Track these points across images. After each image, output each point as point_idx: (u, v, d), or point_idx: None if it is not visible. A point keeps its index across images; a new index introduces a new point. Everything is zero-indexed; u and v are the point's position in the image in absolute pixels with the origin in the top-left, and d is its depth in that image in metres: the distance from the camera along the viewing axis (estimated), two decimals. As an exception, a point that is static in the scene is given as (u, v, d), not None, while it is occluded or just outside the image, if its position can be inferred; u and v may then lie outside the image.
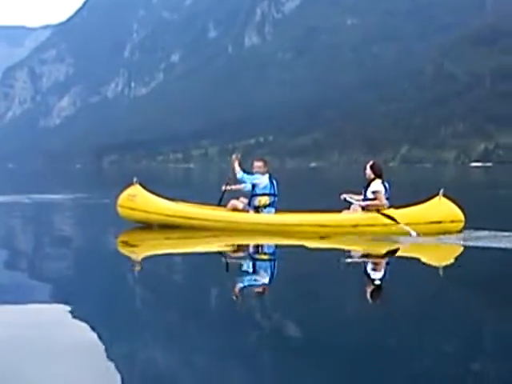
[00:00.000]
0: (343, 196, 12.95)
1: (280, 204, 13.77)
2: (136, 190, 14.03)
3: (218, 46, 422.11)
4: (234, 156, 14.03)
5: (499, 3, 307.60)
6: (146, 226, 13.92)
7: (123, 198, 14.08)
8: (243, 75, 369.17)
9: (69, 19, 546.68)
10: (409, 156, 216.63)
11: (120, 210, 14.19)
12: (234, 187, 13.88)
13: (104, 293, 8.31)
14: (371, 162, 13.06)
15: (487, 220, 14.13)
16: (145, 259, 10.77)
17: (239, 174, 13.61)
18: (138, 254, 11.30)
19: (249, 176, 13.51)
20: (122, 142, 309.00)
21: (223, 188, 13.87)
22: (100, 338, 6.03)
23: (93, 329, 6.30)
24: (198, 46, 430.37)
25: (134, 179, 14.05)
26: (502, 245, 10.99)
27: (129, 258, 10.94)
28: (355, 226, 12.68)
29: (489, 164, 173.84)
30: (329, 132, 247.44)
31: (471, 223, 12.75)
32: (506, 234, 11.97)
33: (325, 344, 5.77)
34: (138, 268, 9.88)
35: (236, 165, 13.70)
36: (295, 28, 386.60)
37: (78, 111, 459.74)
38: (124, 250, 11.88)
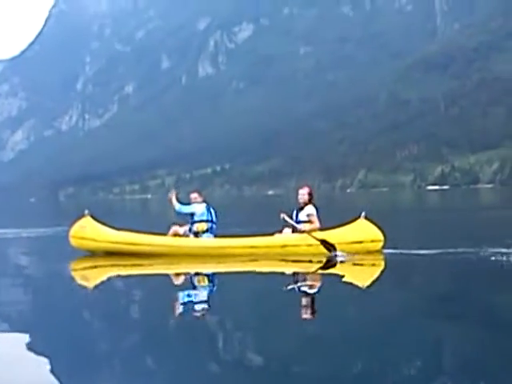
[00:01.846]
0: (282, 215, 13.82)
1: (229, 230, 15.25)
2: (86, 221, 15.15)
3: (171, 76, 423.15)
4: (169, 194, 15.18)
5: (449, 29, 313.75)
6: (95, 255, 14.88)
7: (75, 229, 15.14)
8: (198, 105, 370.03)
9: (21, 53, 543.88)
10: (366, 181, 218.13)
11: (72, 240, 15.16)
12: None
13: (57, 323, 8.27)
14: (308, 189, 14.17)
15: (409, 241, 15.41)
16: (96, 286, 11.37)
17: (176, 206, 14.81)
18: (89, 282, 12.04)
19: (185, 206, 14.80)
20: (77, 174, 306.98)
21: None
22: (54, 371, 5.80)
23: (47, 361, 6.13)
24: (151, 77, 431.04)
25: (86, 211, 15.19)
26: (416, 259, 12.62)
27: (80, 286, 11.47)
28: (283, 246, 13.82)
29: (445, 187, 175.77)
30: (285, 159, 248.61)
31: (392, 243, 13.91)
32: (421, 252, 13.29)
33: (279, 369, 5.91)
34: (88, 294, 10.45)
35: (173, 200, 14.87)
36: (248, 57, 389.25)
37: (32, 145, 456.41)
38: (75, 278, 12.54)
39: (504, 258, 12.22)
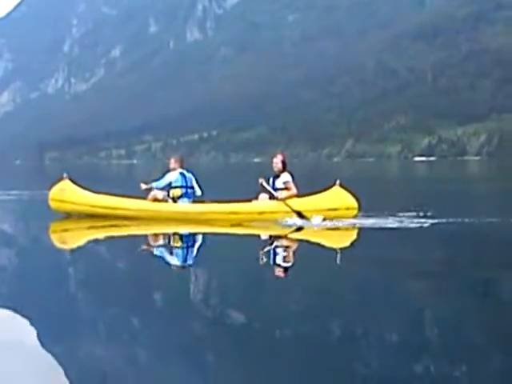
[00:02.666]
0: (261, 180, 14.37)
1: (212, 196, 15.37)
2: (65, 184, 15.55)
3: (159, 41, 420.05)
4: (141, 187, 15.17)
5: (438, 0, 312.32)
6: (73, 217, 15.35)
7: (54, 191, 15.62)
8: (185, 70, 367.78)
9: (7, 14, 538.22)
10: (353, 151, 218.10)
11: (51, 203, 15.63)
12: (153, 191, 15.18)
13: (39, 287, 8.24)
14: (281, 157, 14.52)
15: (383, 206, 15.99)
16: (74, 248, 11.59)
17: (153, 185, 15.09)
18: (67, 244, 12.36)
19: (160, 181, 15.09)
20: (63, 138, 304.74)
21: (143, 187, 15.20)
22: (40, 335, 5.84)
23: (32, 326, 6.13)
24: (138, 42, 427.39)
25: (64, 174, 15.50)
26: (390, 225, 13.10)
27: (58, 248, 11.73)
28: (261, 213, 14.25)
29: (432, 158, 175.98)
30: (272, 127, 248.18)
31: (367, 210, 14.57)
32: (393, 218, 13.93)
33: (264, 331, 6.05)
34: (68, 257, 10.62)
35: (146, 185, 15.10)
36: (237, 23, 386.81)
37: (18, 107, 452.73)
38: (53, 240, 12.82)
39: (475, 225, 12.97)
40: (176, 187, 14.97)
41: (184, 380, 5.01)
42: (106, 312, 6.96)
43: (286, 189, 14.18)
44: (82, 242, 12.49)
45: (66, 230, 14.53)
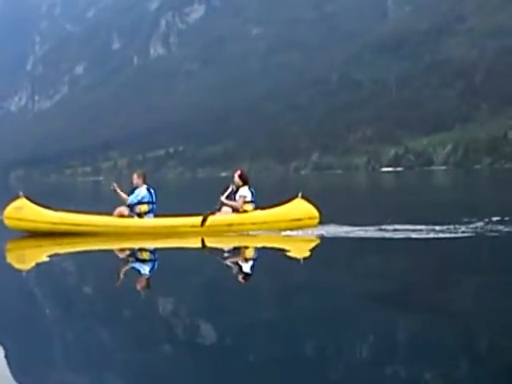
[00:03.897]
0: (222, 198, 15.15)
1: (178, 210, 15.89)
2: (22, 202, 15.33)
3: (122, 57, 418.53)
4: (112, 187, 15.46)
5: (400, 11, 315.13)
6: (32, 235, 15.11)
7: (9, 210, 15.36)
8: (150, 86, 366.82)
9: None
10: (320, 163, 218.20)
11: (7, 222, 15.42)
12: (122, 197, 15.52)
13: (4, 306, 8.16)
14: (239, 172, 15.51)
15: (344, 217, 16.54)
16: (33, 266, 11.50)
17: (127, 201, 15.24)
18: (25, 262, 12.17)
19: (133, 196, 15.22)
20: (28, 156, 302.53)
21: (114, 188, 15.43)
22: (3, 353, 5.74)
23: None
24: (102, 58, 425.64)
25: (20, 193, 15.34)
26: (351, 235, 13.70)
27: (16, 267, 11.56)
28: (230, 225, 14.92)
29: (399, 169, 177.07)
30: (238, 141, 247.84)
31: (328, 220, 15.36)
32: (355, 228, 14.42)
33: (232, 346, 6.02)
34: (25, 275, 10.46)
35: (120, 193, 15.41)
36: (200, 38, 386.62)
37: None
38: (13, 259, 12.68)
39: (431, 235, 13.24)
40: (143, 203, 15.22)
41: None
42: (71, 332, 6.79)
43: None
44: (42, 258, 12.46)
45: (24, 248, 14.48)
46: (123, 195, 15.37)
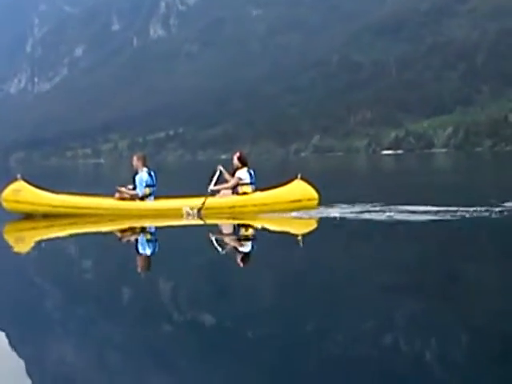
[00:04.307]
0: (219, 167, 15.46)
1: (175, 192, 16.15)
2: (20, 185, 15.36)
3: (122, 38, 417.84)
4: (116, 189, 15.36)
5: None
6: (30, 217, 15.16)
7: (7, 192, 15.41)
8: (149, 68, 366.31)
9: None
10: (320, 145, 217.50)
11: (5, 204, 15.47)
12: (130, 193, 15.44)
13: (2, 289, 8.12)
14: (238, 154, 15.68)
15: (342, 198, 16.60)
16: (32, 248, 11.49)
17: (137, 193, 15.23)
18: (27, 244, 12.12)
19: (140, 185, 15.27)
20: (28, 139, 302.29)
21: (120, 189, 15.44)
22: (4, 339, 5.72)
23: None
24: (101, 40, 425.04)
25: (18, 175, 15.42)
26: (348, 215, 13.75)
27: (18, 249, 11.56)
28: (232, 207, 15.13)
29: (400, 151, 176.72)
30: (238, 123, 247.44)
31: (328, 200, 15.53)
32: (353, 208, 14.67)
33: (234, 328, 5.97)
34: (29, 257, 10.43)
35: (128, 192, 15.32)
36: (200, 20, 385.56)
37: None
38: (11, 241, 12.68)
39: (429, 217, 13.23)
40: (145, 186, 15.27)
41: (154, 381, 5.00)
42: (72, 312, 6.81)
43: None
44: (42, 240, 12.50)
45: (30, 229, 14.42)
46: (131, 192, 15.31)
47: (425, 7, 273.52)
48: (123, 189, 15.34)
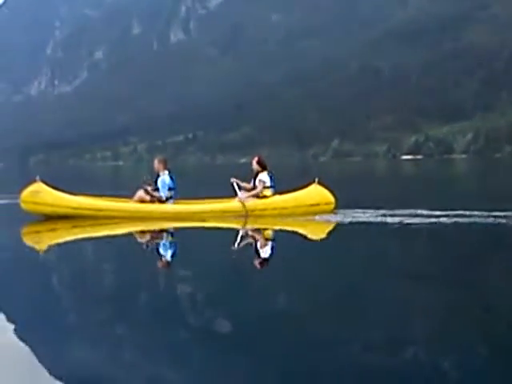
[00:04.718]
0: (232, 180, 15.63)
1: (201, 194, 16.72)
2: (39, 186, 15.48)
3: (142, 42, 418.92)
4: (144, 181, 15.67)
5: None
6: (48, 218, 15.17)
7: (26, 194, 15.47)
8: (169, 71, 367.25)
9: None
10: (339, 150, 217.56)
11: (24, 205, 15.52)
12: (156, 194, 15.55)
13: (21, 289, 8.07)
14: (257, 158, 15.91)
15: (359, 202, 17.11)
16: (50, 249, 11.46)
17: (161, 195, 15.36)
18: (46, 245, 12.06)
19: (162, 188, 15.41)
20: (48, 140, 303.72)
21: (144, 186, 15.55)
22: (23, 339, 5.69)
23: (15, 330, 5.98)
24: (122, 43, 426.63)
25: (37, 177, 15.47)
26: (366, 219, 14.04)
27: (37, 250, 11.47)
28: (252, 210, 15.20)
29: (419, 157, 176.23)
30: (258, 127, 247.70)
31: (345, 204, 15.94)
32: (369, 211, 14.97)
33: (252, 329, 5.99)
34: (48, 257, 10.45)
35: (154, 193, 15.40)
36: (220, 24, 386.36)
37: (1, 110, 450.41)
38: (30, 242, 12.78)
39: (439, 220, 13.47)
40: (167, 189, 15.44)
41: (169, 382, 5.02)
42: (89, 314, 6.76)
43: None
44: (61, 241, 12.62)
45: (52, 230, 14.38)
46: (156, 194, 15.42)
47: (445, 13, 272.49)
48: (149, 188, 15.49)
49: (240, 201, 15.25)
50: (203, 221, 14.75)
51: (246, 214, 15.07)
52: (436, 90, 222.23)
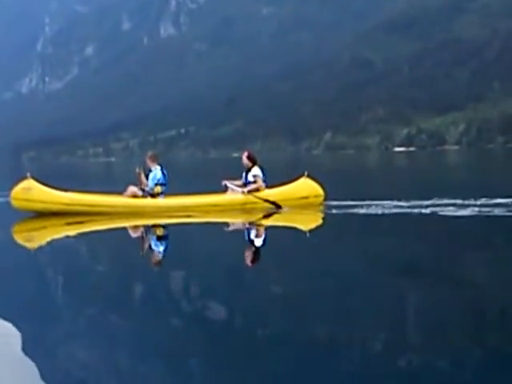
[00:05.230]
0: (224, 182, 15.88)
1: (192, 189, 16.95)
2: (30, 183, 15.37)
3: (132, 37, 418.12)
4: (137, 170, 15.64)
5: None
6: (40, 215, 15.15)
7: (16, 191, 15.40)
8: (160, 66, 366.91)
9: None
10: (332, 143, 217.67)
11: (14, 203, 15.43)
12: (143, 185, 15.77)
13: (15, 289, 8.03)
14: (247, 153, 16.03)
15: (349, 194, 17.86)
16: (43, 246, 11.42)
17: (148, 187, 15.52)
18: (36, 241, 12.09)
19: (151, 181, 15.55)
20: (39, 137, 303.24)
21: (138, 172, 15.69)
22: (16, 338, 5.70)
23: (8, 324, 6.04)
24: (112, 39, 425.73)
25: (28, 174, 15.34)
26: (356, 211, 14.35)
27: (29, 247, 11.47)
28: (244, 204, 15.47)
29: (412, 149, 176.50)
30: (250, 121, 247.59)
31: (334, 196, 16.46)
32: (359, 203, 15.35)
33: (246, 325, 6.00)
34: (40, 255, 10.43)
35: (143, 179, 15.64)
36: (211, 18, 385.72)
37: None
38: (21, 239, 12.68)
39: (426, 211, 13.80)
40: (157, 184, 15.58)
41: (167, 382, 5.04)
42: (83, 310, 6.79)
43: (255, 182, 15.66)
44: (53, 238, 12.51)
45: (44, 228, 14.31)
46: (144, 180, 15.56)
47: (436, 4, 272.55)
48: (134, 188, 15.57)
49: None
50: (193, 216, 14.92)
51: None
52: (428, 81, 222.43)
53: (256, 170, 15.78)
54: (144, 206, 15.31)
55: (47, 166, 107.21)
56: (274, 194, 15.84)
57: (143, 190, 15.50)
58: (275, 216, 14.85)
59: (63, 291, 7.90)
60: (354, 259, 9.30)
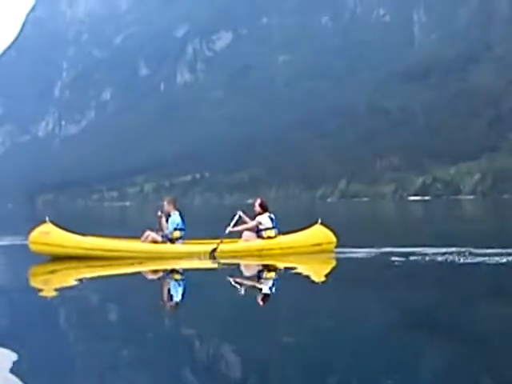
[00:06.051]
0: (239, 212, 16.43)
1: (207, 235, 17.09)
2: (48, 227, 15.47)
3: (149, 83, 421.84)
4: (158, 213, 16.03)
5: (427, 39, 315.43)
6: (56, 259, 15.13)
7: (35, 235, 15.43)
8: (176, 112, 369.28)
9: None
10: (347, 190, 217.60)
11: (32, 246, 15.41)
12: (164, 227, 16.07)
13: (34, 330, 7.99)
14: (259, 200, 16.60)
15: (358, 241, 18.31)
16: (59, 290, 11.38)
17: (167, 230, 15.81)
18: (54, 286, 12.02)
19: (171, 225, 15.80)
20: (55, 181, 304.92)
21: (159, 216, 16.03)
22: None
23: (19, 370, 5.91)
24: (129, 84, 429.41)
25: (46, 218, 15.49)
26: (365, 256, 15.04)
27: (46, 290, 11.44)
28: (260, 250, 15.93)
29: (427, 198, 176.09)
30: (265, 168, 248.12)
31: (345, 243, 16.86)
32: (367, 250, 15.95)
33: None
34: (57, 299, 10.36)
35: (163, 222, 15.95)
36: (227, 65, 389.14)
37: (8, 151, 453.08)
38: (38, 283, 12.61)
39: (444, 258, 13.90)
40: (176, 229, 15.87)
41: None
42: (96, 356, 6.75)
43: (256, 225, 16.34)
44: (70, 282, 12.44)
45: (61, 271, 14.21)
46: (165, 224, 15.86)
47: (451, 54, 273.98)
48: (152, 233, 15.73)
49: (222, 238, 15.90)
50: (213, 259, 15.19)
51: (210, 253, 15.43)
52: (443, 130, 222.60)
53: (261, 218, 16.43)
54: (160, 252, 15.44)
55: (62, 210, 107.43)
56: (287, 240, 16.42)
57: (162, 236, 15.64)
58: (288, 260, 15.19)
59: (77, 338, 7.88)
60: (365, 309, 9.29)
